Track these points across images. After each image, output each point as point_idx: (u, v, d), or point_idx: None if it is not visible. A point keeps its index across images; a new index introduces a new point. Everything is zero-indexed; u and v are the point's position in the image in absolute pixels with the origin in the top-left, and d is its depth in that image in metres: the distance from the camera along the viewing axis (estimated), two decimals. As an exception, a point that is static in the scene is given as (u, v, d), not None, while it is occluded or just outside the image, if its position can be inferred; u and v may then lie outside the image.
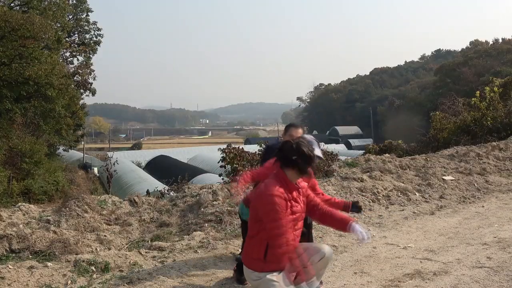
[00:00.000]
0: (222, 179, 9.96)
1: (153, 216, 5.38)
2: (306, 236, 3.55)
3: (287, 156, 2.83)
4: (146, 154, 49.41)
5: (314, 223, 3.86)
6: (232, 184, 3.39)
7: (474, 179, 7.26)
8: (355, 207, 3.57)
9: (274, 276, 2.77)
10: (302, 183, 3.00)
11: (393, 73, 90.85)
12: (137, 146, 70.26)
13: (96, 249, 4.22)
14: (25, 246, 4.07)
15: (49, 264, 3.73)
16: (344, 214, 3.08)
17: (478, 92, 13.14)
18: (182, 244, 4.46)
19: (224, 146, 10.69)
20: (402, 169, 7.35)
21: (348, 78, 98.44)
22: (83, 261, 3.80)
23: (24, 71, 16.71)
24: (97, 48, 29.48)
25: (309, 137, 3.42)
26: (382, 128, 57.89)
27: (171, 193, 7.88)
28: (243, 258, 2.98)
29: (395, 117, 49.43)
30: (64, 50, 26.87)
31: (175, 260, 4.09)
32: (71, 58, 29.14)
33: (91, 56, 29.32)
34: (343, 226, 2.95)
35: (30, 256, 3.96)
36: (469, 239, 4.65)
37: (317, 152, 3.27)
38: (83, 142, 39.33)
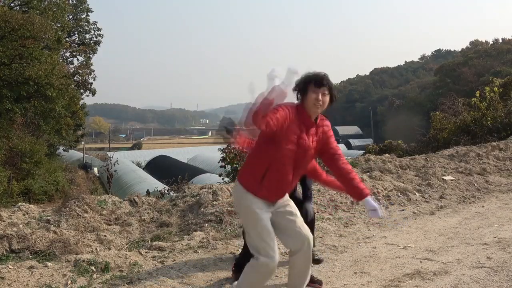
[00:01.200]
0: (222, 179, 9.96)
1: (153, 216, 5.38)
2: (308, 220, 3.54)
3: (301, 82, 2.72)
4: (146, 154, 49.49)
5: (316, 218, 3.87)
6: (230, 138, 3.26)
7: (474, 179, 7.27)
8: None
9: (259, 209, 2.74)
10: (326, 124, 2.85)
11: (393, 73, 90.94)
12: (137, 146, 70.32)
13: (96, 249, 4.22)
14: (25, 246, 4.07)
15: (49, 264, 3.73)
16: (362, 184, 2.87)
17: (478, 92, 13.15)
18: (182, 244, 4.47)
19: (224, 146, 10.69)
20: (402, 169, 7.35)
21: (348, 78, 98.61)
22: (83, 261, 3.80)
23: (24, 71, 16.73)
24: (97, 48, 29.53)
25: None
26: (382, 128, 57.96)
27: (171, 193, 7.88)
28: (241, 176, 2.87)
29: (395, 117, 49.49)
30: (64, 50, 26.91)
31: (175, 260, 4.09)
32: (71, 58, 29.21)
33: (91, 56, 29.38)
34: (357, 195, 2.83)
35: (30, 256, 3.96)
36: (469, 239, 4.65)
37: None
38: (83, 142, 39.36)
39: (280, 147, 2.69)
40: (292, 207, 2.97)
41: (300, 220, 2.94)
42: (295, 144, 2.70)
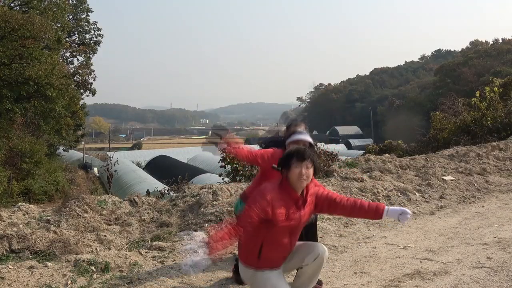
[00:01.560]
0: (222, 179, 9.96)
1: (153, 216, 5.38)
2: (311, 232, 3.57)
3: (283, 159, 2.80)
4: (146, 154, 49.44)
5: (319, 217, 3.87)
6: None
7: (474, 179, 7.26)
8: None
9: (268, 273, 2.77)
10: (312, 190, 2.88)
11: (393, 73, 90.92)
12: (137, 146, 70.27)
13: (96, 249, 4.22)
14: (25, 246, 4.07)
15: (49, 264, 3.73)
16: (373, 203, 2.90)
17: (478, 92, 13.14)
18: (182, 244, 4.46)
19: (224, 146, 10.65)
20: (402, 169, 7.35)
21: (348, 78, 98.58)
22: (83, 261, 3.80)
23: (24, 71, 16.72)
24: (97, 48, 29.51)
25: (300, 129, 3.43)
26: (382, 128, 57.93)
27: (171, 193, 7.87)
28: (239, 255, 2.97)
29: (395, 117, 49.46)
30: (64, 50, 26.90)
31: (175, 260, 4.09)
32: (71, 58, 29.19)
33: (91, 56, 29.36)
34: (377, 214, 2.83)
35: (30, 256, 3.96)
36: (469, 239, 4.65)
37: (307, 138, 3.30)
38: (83, 142, 39.34)
39: (271, 227, 2.74)
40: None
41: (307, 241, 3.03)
42: (285, 221, 2.74)
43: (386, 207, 2.81)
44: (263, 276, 2.78)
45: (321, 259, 2.93)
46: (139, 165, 38.54)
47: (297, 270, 3.09)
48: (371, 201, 2.92)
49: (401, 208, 2.82)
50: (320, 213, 3.02)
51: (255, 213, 2.65)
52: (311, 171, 2.76)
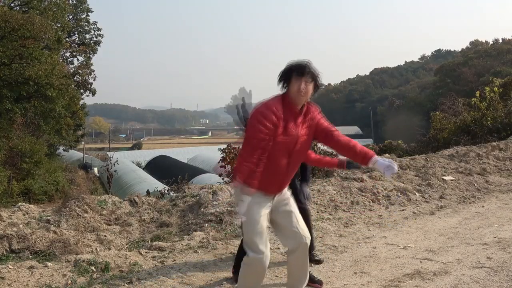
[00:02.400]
0: (222, 179, 9.97)
1: (153, 216, 5.38)
2: (303, 212, 3.57)
3: (284, 72, 2.75)
4: (146, 154, 49.44)
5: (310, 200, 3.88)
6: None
7: (474, 179, 7.26)
8: (351, 165, 3.43)
9: (257, 203, 2.76)
10: (314, 109, 2.85)
11: (393, 73, 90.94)
12: (137, 146, 70.28)
13: (96, 249, 4.22)
14: (25, 246, 4.07)
15: (49, 264, 3.73)
16: (365, 148, 2.84)
17: (478, 92, 13.14)
18: (182, 244, 4.47)
19: (224, 146, 10.69)
20: (402, 169, 7.35)
21: (348, 78, 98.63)
22: (83, 261, 3.80)
23: (24, 71, 16.72)
24: (97, 48, 29.52)
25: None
26: (382, 128, 57.93)
27: (171, 193, 7.88)
28: (234, 170, 2.95)
29: (395, 117, 49.45)
30: (64, 50, 26.90)
31: (175, 260, 4.09)
32: (71, 58, 29.20)
33: (91, 56, 29.38)
34: (364, 160, 2.78)
35: (30, 256, 3.96)
36: (469, 239, 4.65)
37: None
38: (83, 142, 39.34)
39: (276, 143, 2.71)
40: (292, 205, 2.97)
41: (298, 219, 2.94)
42: (283, 135, 2.71)
43: (375, 156, 2.78)
44: (253, 201, 2.71)
45: (303, 248, 2.90)
46: (139, 165, 38.55)
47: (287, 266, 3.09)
48: (364, 147, 2.86)
49: (390, 160, 2.77)
50: (315, 140, 2.97)
51: (264, 131, 2.63)
52: (311, 86, 2.74)
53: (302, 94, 2.72)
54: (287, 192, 3.00)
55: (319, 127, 2.86)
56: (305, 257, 2.96)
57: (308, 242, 2.94)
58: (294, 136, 2.75)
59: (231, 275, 3.70)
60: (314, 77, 2.75)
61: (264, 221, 2.82)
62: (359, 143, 2.89)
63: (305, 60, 2.78)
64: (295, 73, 2.72)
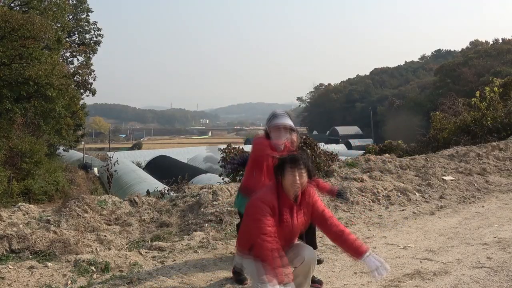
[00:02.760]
0: (222, 179, 9.96)
1: (153, 216, 5.38)
2: (311, 229, 3.58)
3: (278, 165, 2.83)
4: (146, 154, 49.41)
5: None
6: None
7: (474, 179, 7.26)
8: (341, 196, 3.61)
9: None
10: (308, 194, 2.88)
11: (393, 73, 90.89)
12: (137, 146, 70.26)
13: (96, 249, 4.22)
14: (25, 246, 4.07)
15: (49, 264, 3.73)
16: (359, 242, 2.83)
17: (478, 92, 13.14)
18: (182, 244, 4.47)
19: (224, 146, 10.69)
20: (402, 169, 7.35)
21: (348, 78, 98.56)
22: (83, 261, 3.80)
23: (24, 71, 16.72)
24: (97, 48, 29.51)
25: (279, 111, 3.42)
26: (382, 128, 57.89)
27: (171, 193, 7.88)
28: (237, 241, 3.01)
29: (395, 117, 49.43)
30: (64, 50, 26.89)
31: (175, 260, 4.09)
32: (71, 58, 29.19)
33: (91, 56, 29.37)
34: (356, 254, 2.78)
35: (30, 256, 3.96)
36: (469, 239, 4.65)
37: (288, 122, 3.31)
38: (83, 142, 39.32)
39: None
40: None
41: (300, 247, 2.97)
42: (279, 226, 2.75)
43: (368, 252, 2.74)
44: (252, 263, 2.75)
45: (307, 263, 2.89)
46: (139, 165, 38.53)
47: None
48: (357, 239, 2.86)
49: (382, 260, 2.73)
50: (312, 222, 3.04)
51: (268, 225, 2.67)
52: (305, 176, 2.79)
53: (297, 185, 2.76)
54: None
55: (314, 212, 2.90)
56: (308, 271, 2.96)
57: (313, 258, 2.95)
58: (290, 226, 2.81)
59: (231, 275, 3.70)
60: (307, 166, 2.80)
61: None
62: (352, 234, 2.87)
63: (298, 153, 2.87)
64: (288, 165, 2.77)
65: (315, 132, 79.61)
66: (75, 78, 27.27)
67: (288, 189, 2.78)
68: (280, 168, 2.80)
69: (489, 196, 6.67)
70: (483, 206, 6.11)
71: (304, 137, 10.25)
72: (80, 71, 28.11)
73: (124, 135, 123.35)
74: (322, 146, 12.26)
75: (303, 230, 3.00)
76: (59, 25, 22.14)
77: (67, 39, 26.08)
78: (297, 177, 2.75)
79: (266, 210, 2.71)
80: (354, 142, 66.01)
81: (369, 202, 6.04)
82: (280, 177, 2.80)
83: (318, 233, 4.89)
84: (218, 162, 10.04)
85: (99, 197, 5.97)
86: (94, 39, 29.36)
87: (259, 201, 2.75)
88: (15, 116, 18.28)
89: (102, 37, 29.74)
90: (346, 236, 2.82)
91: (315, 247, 3.68)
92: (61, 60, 24.18)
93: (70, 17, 27.26)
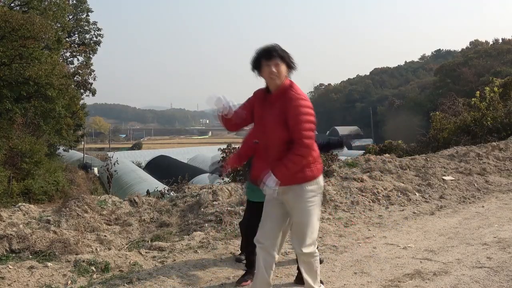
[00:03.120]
0: (222, 179, 9.94)
1: (153, 216, 5.38)
2: None
3: (253, 61, 2.78)
4: (146, 154, 49.47)
5: None
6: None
7: (474, 179, 7.26)
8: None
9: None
10: (288, 95, 2.71)
11: (393, 73, 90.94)
12: (137, 146, 70.30)
13: (96, 249, 4.22)
14: (25, 246, 4.07)
15: (49, 264, 3.73)
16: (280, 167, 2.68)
17: (478, 92, 13.14)
18: (182, 244, 4.47)
19: (224, 146, 10.69)
20: (402, 169, 7.35)
21: (348, 78, 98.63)
22: (83, 261, 3.80)
23: (24, 71, 16.73)
24: (97, 48, 29.55)
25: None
26: (382, 128, 57.86)
27: (171, 193, 7.88)
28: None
29: (395, 117, 49.36)
30: (64, 50, 26.91)
31: (175, 260, 4.10)
32: (71, 58, 29.23)
33: (91, 56, 29.40)
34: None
35: (30, 256, 3.96)
36: (469, 239, 4.65)
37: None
38: (83, 142, 39.35)
39: (252, 128, 2.94)
40: (298, 213, 2.84)
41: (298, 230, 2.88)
42: (258, 121, 2.85)
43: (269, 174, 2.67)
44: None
45: (300, 257, 2.94)
46: (139, 165, 38.56)
47: None
48: (286, 164, 2.68)
49: (271, 183, 2.64)
50: None
51: (243, 105, 2.89)
52: (282, 67, 2.71)
53: (274, 77, 2.71)
54: (301, 189, 2.81)
55: (288, 118, 2.71)
56: (304, 265, 2.92)
57: (306, 253, 2.85)
58: (261, 118, 2.82)
59: (231, 275, 3.70)
60: (283, 58, 2.72)
61: (271, 212, 2.89)
62: (291, 158, 2.69)
63: (272, 44, 2.76)
64: (263, 59, 2.72)
65: (315, 132, 79.43)
66: (75, 78, 27.29)
67: (268, 81, 2.77)
68: (256, 63, 2.76)
69: (489, 196, 6.67)
70: (483, 206, 6.11)
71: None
72: (80, 71, 28.13)
73: (124, 135, 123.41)
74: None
75: (283, 137, 2.73)
76: (59, 25, 22.16)
77: (67, 39, 26.10)
78: (273, 68, 2.69)
79: (248, 99, 2.91)
80: (354, 142, 65.97)
81: (369, 202, 6.04)
82: (258, 73, 2.77)
83: (319, 233, 4.89)
84: (218, 162, 10.03)
85: (99, 197, 5.97)
86: (94, 39, 29.41)
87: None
88: (15, 116, 18.30)
89: (102, 37, 29.80)
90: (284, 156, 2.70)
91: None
92: (61, 60, 24.18)
93: (70, 17, 27.28)
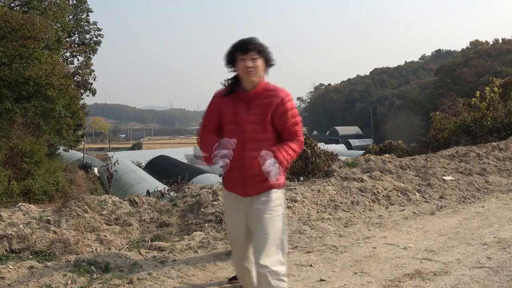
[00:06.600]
0: (222, 179, 9.94)
1: (153, 216, 5.38)
2: None
3: (228, 54, 2.54)
4: (146, 154, 49.49)
5: None
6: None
7: (474, 179, 7.26)
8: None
9: (229, 207, 2.86)
10: (276, 95, 2.52)
11: (393, 73, 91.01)
12: (137, 146, 70.31)
13: (96, 249, 4.22)
14: (25, 246, 4.07)
15: (49, 264, 3.73)
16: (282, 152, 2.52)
17: (478, 92, 13.13)
18: (182, 244, 4.47)
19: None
20: (402, 169, 7.35)
21: (348, 78, 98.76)
22: (83, 261, 3.80)
23: (25, 71, 16.75)
24: (97, 48, 29.57)
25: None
26: (382, 128, 57.93)
27: (171, 193, 7.87)
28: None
29: (395, 117, 49.41)
30: (64, 50, 26.93)
31: (175, 260, 4.09)
32: (71, 58, 29.26)
33: (91, 56, 29.43)
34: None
35: (30, 256, 3.96)
36: (469, 239, 4.65)
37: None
38: (83, 142, 39.38)
39: (223, 131, 2.60)
40: (262, 220, 2.57)
41: (264, 243, 2.52)
42: (232, 123, 2.53)
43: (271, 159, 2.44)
44: (226, 204, 2.82)
45: (260, 278, 2.48)
46: (139, 165, 38.56)
47: None
48: (283, 150, 2.51)
49: (273, 169, 2.42)
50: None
51: (205, 116, 2.66)
52: (259, 61, 2.48)
53: (251, 71, 2.46)
54: (267, 197, 2.58)
55: (281, 125, 2.56)
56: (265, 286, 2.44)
57: (271, 270, 2.44)
58: (241, 122, 2.52)
59: (231, 275, 3.70)
60: (260, 52, 2.50)
61: (236, 228, 2.69)
62: (292, 146, 2.58)
63: (248, 37, 2.54)
64: (238, 52, 2.48)
65: (315, 132, 79.67)
66: (75, 78, 27.30)
67: (243, 77, 2.50)
68: (231, 57, 2.51)
69: (489, 196, 6.67)
70: (483, 206, 6.11)
71: (304, 137, 10.24)
72: (80, 71, 28.15)
73: (124, 135, 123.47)
74: (322, 146, 12.26)
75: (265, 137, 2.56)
76: (59, 25, 22.17)
77: (67, 39, 26.11)
78: (249, 62, 2.45)
79: (209, 109, 2.65)
80: (354, 142, 66.09)
81: (369, 202, 6.04)
82: (233, 68, 2.53)
83: (318, 233, 4.89)
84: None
85: (99, 197, 5.97)
86: (94, 39, 29.44)
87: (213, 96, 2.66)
88: (15, 116, 18.31)
89: (102, 37, 29.83)
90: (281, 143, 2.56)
91: None
92: (61, 60, 24.19)
93: (70, 17, 27.30)
